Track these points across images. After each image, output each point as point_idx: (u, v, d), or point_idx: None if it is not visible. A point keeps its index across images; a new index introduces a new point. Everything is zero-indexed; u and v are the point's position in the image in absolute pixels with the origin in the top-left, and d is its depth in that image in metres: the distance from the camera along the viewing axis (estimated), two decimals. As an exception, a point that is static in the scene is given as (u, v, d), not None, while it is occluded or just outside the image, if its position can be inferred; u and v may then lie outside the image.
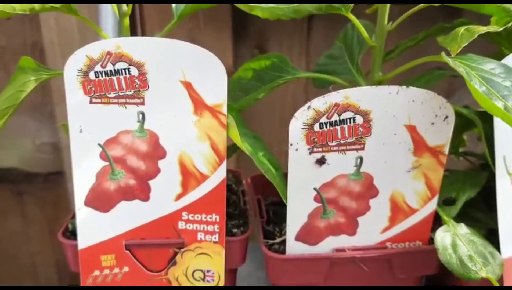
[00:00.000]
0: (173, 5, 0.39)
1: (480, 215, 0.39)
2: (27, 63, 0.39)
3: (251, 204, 0.45)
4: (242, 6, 0.30)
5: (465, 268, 0.32)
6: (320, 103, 0.31)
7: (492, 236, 0.36)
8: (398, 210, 0.36)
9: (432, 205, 0.36)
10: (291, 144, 0.32)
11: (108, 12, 0.62)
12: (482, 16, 0.36)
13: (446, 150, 0.34)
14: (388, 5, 0.36)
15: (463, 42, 0.31)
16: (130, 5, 0.37)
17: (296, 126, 0.32)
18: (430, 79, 0.39)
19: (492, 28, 0.33)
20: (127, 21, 0.38)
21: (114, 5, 0.38)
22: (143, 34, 0.69)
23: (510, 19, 0.35)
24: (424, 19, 0.45)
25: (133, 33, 0.68)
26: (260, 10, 0.30)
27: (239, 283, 0.49)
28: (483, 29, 0.32)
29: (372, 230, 0.37)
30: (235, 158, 0.71)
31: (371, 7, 0.39)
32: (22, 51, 0.81)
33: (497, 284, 0.32)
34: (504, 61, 0.34)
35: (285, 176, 0.35)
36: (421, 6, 0.36)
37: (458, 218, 0.37)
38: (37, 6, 0.32)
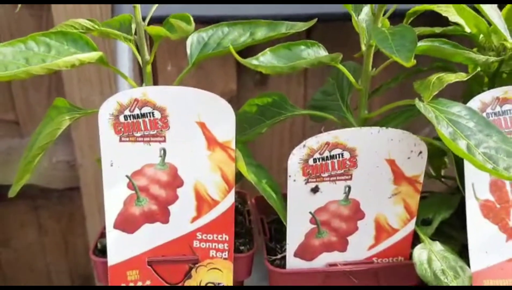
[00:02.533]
0: (188, 52, 0.45)
1: (455, 233, 0.44)
2: (61, 103, 0.45)
3: (255, 222, 0.51)
4: (248, 64, 0.36)
5: (438, 280, 0.38)
6: (313, 142, 0.37)
7: (465, 252, 0.42)
8: (382, 230, 0.42)
9: (411, 226, 0.42)
10: (289, 176, 0.38)
11: (124, 51, 0.67)
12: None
13: (421, 179, 0.40)
14: (372, 54, 0.42)
15: (434, 90, 0.37)
16: (153, 54, 0.43)
17: (294, 161, 0.38)
18: (411, 114, 0.45)
19: (460, 77, 0.39)
20: (149, 68, 0.44)
21: (137, 53, 0.44)
22: (155, 71, 0.75)
23: (476, 67, 0.41)
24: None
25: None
26: (263, 68, 0.36)
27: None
28: (451, 79, 0.38)
29: (360, 247, 0.42)
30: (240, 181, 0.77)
31: (359, 53, 0.45)
32: (40, 77, 0.88)
33: (465, 294, 0.38)
34: (469, 103, 0.40)
35: (284, 196, 0.41)
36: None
37: (435, 236, 0.43)
38: (77, 62, 0.38)
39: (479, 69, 0.42)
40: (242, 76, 0.84)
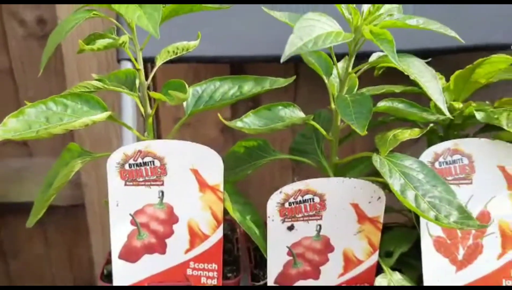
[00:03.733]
0: (184, 105, 0.52)
1: (414, 262, 0.51)
2: (74, 147, 0.52)
3: (243, 249, 0.58)
4: (233, 126, 0.43)
5: (395, 306, 0.45)
6: (288, 189, 0.44)
7: (421, 280, 0.49)
8: (349, 261, 0.49)
9: (374, 257, 0.48)
10: (269, 217, 0.45)
11: (128, 99, 0.73)
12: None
13: (381, 219, 0.47)
14: (340, 116, 0.48)
15: (390, 146, 0.44)
16: (154, 108, 0.50)
17: (272, 205, 0.45)
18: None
19: (413, 134, 0.46)
20: (151, 120, 0.51)
21: (141, 107, 0.51)
22: (158, 119, 0.80)
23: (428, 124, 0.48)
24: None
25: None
26: (247, 130, 0.43)
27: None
28: (405, 136, 0.45)
29: (331, 275, 0.49)
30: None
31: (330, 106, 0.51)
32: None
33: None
34: (423, 154, 0.47)
35: (264, 238, 0.48)
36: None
37: (397, 265, 0.50)
38: (89, 122, 0.45)
39: (432, 125, 0.49)
40: (235, 103, 0.90)
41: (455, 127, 0.51)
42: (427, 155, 0.48)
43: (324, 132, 0.49)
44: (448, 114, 0.42)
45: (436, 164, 0.48)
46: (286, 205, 0.45)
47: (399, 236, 0.51)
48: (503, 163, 0.48)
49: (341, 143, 0.53)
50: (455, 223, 0.39)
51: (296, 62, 0.62)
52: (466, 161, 0.48)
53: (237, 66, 0.85)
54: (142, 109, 0.51)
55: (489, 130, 0.51)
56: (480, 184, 0.48)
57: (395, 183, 0.42)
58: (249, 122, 0.44)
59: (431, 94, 0.39)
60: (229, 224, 0.63)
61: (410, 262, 0.51)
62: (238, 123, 0.43)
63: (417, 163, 0.44)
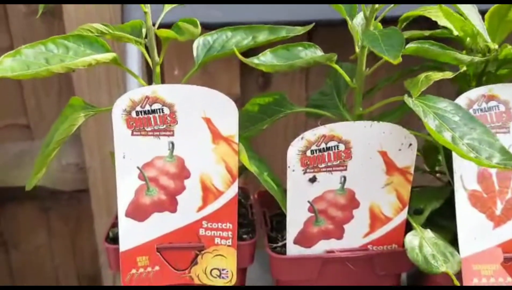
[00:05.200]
0: (195, 54, 0.48)
1: (446, 223, 0.47)
2: (77, 102, 0.48)
3: (257, 215, 0.54)
4: (250, 63, 0.39)
5: (429, 264, 0.41)
6: (311, 134, 0.40)
7: (456, 240, 0.44)
8: (376, 219, 0.44)
9: (404, 214, 0.44)
10: (289, 166, 0.41)
11: (133, 53, 0.71)
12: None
13: (412, 170, 0.43)
14: (365, 55, 0.45)
15: (422, 87, 0.40)
16: (162, 56, 0.47)
17: (293, 153, 0.41)
18: (403, 111, 0.48)
19: (446, 75, 0.42)
20: (158, 68, 0.47)
21: (147, 56, 0.47)
22: (163, 76, 0.78)
23: (461, 66, 0.44)
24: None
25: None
26: (264, 66, 0.39)
27: (250, 284, 0.58)
28: (438, 76, 0.41)
29: (356, 235, 0.45)
30: (243, 177, 0.80)
31: (354, 55, 0.48)
32: (51, 81, 0.92)
33: (454, 278, 0.40)
34: (456, 100, 0.43)
35: (285, 191, 0.44)
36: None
37: (428, 226, 0.46)
38: (93, 62, 0.41)
39: (464, 68, 0.45)
40: (245, 80, 0.87)
41: (489, 75, 0.47)
42: (460, 101, 0.44)
43: (347, 78, 0.45)
44: (488, 39, 0.38)
45: (471, 112, 0.44)
46: (308, 153, 0.41)
47: (430, 193, 0.47)
48: (544, 109, 0.44)
49: (366, 97, 0.49)
50: (499, 164, 0.35)
51: (311, 34, 0.59)
52: (502, 108, 0.44)
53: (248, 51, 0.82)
54: (148, 59, 0.47)
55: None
56: (519, 133, 0.44)
57: (430, 123, 0.38)
58: (265, 60, 0.40)
59: (471, 19, 0.35)
60: (242, 191, 0.59)
61: (441, 223, 0.47)
62: (254, 60, 0.39)
63: (452, 105, 0.40)
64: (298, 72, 0.88)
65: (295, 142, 0.41)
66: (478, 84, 0.48)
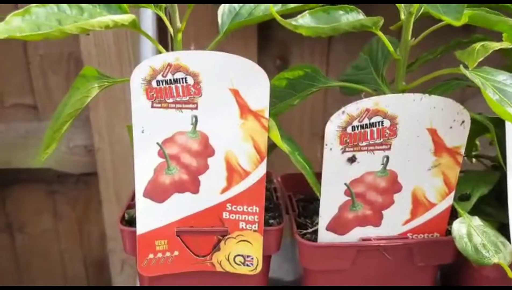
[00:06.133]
0: (219, 21, 0.44)
1: (493, 211, 0.43)
2: (90, 72, 0.44)
3: (282, 199, 0.50)
4: (288, 25, 0.35)
5: (479, 254, 0.37)
6: (353, 108, 0.36)
7: (503, 230, 0.40)
8: (418, 204, 0.40)
9: (449, 200, 0.40)
10: (326, 144, 0.37)
11: (148, 23, 0.67)
12: (494, 32, 0.41)
13: (463, 151, 0.38)
14: (411, 22, 0.40)
15: (479, 57, 0.36)
16: (184, 22, 0.43)
17: (331, 129, 0.37)
18: (448, 88, 0.44)
19: (505, 44, 0.37)
20: (180, 36, 0.43)
21: (168, 22, 0.43)
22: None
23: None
24: (443, 34, 0.49)
25: (166, 44, 0.73)
26: (303, 29, 0.35)
27: (270, 274, 0.54)
28: (496, 46, 0.37)
29: (395, 222, 0.41)
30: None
31: (396, 24, 0.43)
32: (59, 60, 0.88)
33: (508, 269, 0.36)
34: (510, 74, 0.39)
35: (317, 174, 0.40)
36: (441, 24, 0.40)
37: (473, 213, 0.42)
38: (110, 23, 0.37)
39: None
40: (263, 61, 0.83)
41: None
42: (516, 76, 0.39)
43: (391, 48, 0.40)
44: None
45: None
46: (349, 129, 0.37)
47: (477, 177, 0.43)
48: None
49: (407, 71, 0.45)
50: None
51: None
52: None
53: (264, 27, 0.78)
54: (169, 26, 0.43)
55: None
56: None
57: (491, 96, 0.33)
58: (305, 22, 0.35)
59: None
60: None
61: (487, 210, 0.43)
62: (293, 22, 0.35)
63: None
64: (318, 54, 0.84)
65: (334, 117, 0.36)
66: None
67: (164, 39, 0.73)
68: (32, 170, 0.90)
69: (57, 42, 0.85)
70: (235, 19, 0.44)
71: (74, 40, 0.82)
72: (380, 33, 0.39)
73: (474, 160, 0.53)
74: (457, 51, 0.39)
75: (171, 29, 0.43)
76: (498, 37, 0.41)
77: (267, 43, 0.83)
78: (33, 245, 0.99)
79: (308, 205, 0.50)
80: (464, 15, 0.37)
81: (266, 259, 0.45)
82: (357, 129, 0.37)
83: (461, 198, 0.42)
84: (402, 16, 0.40)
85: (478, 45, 0.37)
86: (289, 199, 0.49)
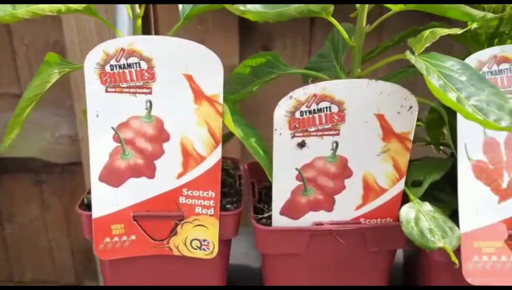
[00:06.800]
0: (180, 7, 0.44)
1: (446, 197, 0.43)
2: (52, 58, 0.45)
3: (246, 186, 0.51)
4: (234, 10, 0.35)
5: (425, 238, 0.37)
6: (300, 93, 0.37)
7: (455, 217, 0.41)
8: (370, 190, 0.41)
9: (400, 186, 0.41)
10: (275, 129, 0.38)
11: (124, 13, 0.68)
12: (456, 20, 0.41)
13: (411, 136, 0.39)
14: (366, 9, 0.40)
15: (427, 42, 0.36)
16: (143, 7, 0.43)
17: (280, 114, 0.37)
18: (405, 75, 0.44)
19: (454, 30, 0.37)
20: (139, 22, 0.43)
21: (128, 7, 0.43)
22: (156, 34, 0.74)
23: (471, 22, 0.40)
24: (402, 21, 0.49)
25: (147, 32, 0.73)
26: (250, 14, 0.35)
27: (236, 261, 0.55)
28: (445, 32, 0.37)
29: (347, 207, 0.42)
30: (240, 150, 0.77)
31: (356, 12, 0.43)
32: (44, 50, 0.88)
33: (452, 254, 0.36)
34: (465, 61, 0.39)
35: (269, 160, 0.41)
36: (395, 10, 0.41)
37: (427, 199, 0.42)
38: (63, 8, 0.37)
39: (475, 25, 0.40)
40: (245, 50, 0.83)
41: (502, 37, 0.43)
42: (468, 63, 0.39)
43: (346, 35, 0.40)
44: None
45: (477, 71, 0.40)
46: (297, 114, 0.37)
47: (430, 164, 0.44)
48: (561, 74, 0.39)
49: (367, 59, 0.45)
50: (508, 127, 0.31)
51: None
52: (515, 72, 0.40)
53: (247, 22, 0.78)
54: (129, 10, 0.43)
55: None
56: (532, 99, 0.40)
57: (434, 82, 0.34)
58: (252, 7, 0.36)
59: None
60: (232, 161, 0.56)
61: (441, 197, 0.43)
62: (240, 7, 0.35)
63: (460, 64, 0.36)
64: (300, 44, 0.84)
65: (282, 102, 0.37)
66: (491, 46, 0.43)
67: (147, 30, 0.74)
68: (19, 159, 0.91)
69: (43, 31, 0.85)
70: (196, 5, 0.44)
71: (59, 29, 0.82)
72: (333, 20, 0.39)
73: (442, 148, 0.53)
74: (410, 38, 0.39)
75: (131, 14, 0.44)
76: (459, 25, 0.41)
77: (249, 33, 0.83)
78: (22, 234, 1.00)
79: (270, 193, 0.50)
80: (412, 4, 0.38)
81: (225, 243, 0.45)
82: (306, 114, 0.37)
83: (414, 184, 0.42)
84: (357, 4, 0.40)
85: (427, 32, 0.37)
86: (251, 186, 0.50)
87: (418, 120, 0.51)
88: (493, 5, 0.42)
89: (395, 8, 0.37)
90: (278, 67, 0.45)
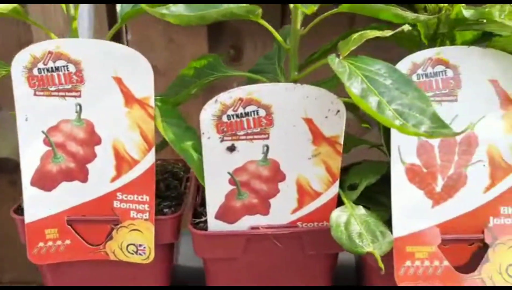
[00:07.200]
0: (118, 8, 0.44)
1: (387, 200, 0.43)
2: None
3: (192, 188, 0.50)
4: (155, 13, 0.35)
5: (353, 243, 0.37)
6: (226, 97, 0.36)
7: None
8: (304, 193, 0.40)
9: (334, 189, 0.40)
10: (203, 133, 0.37)
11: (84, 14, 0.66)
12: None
13: (341, 140, 0.38)
14: (300, 11, 0.40)
15: (353, 45, 0.35)
16: (77, 10, 0.42)
17: (206, 117, 0.37)
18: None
19: (385, 33, 0.37)
20: (75, 24, 0.43)
21: (64, 8, 0.43)
22: (127, 38, 0.73)
23: (404, 23, 0.39)
24: (341, 24, 0.49)
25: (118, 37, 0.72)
26: (171, 17, 0.34)
27: (185, 262, 0.54)
28: (373, 34, 0.36)
29: (283, 210, 0.41)
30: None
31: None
32: (15, 50, 0.87)
33: (379, 259, 0.36)
34: (399, 64, 0.39)
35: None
36: (330, 12, 0.40)
37: (366, 203, 0.42)
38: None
39: (409, 28, 0.40)
40: (214, 50, 0.82)
41: (443, 38, 0.42)
42: (403, 66, 0.39)
43: (279, 37, 0.40)
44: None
45: (414, 77, 0.39)
46: (224, 118, 0.37)
47: (368, 167, 0.43)
48: (496, 76, 0.39)
49: (309, 62, 0.44)
50: (426, 132, 0.31)
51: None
52: (450, 74, 0.39)
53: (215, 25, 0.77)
54: (65, 11, 0.43)
55: (482, 41, 0.42)
56: (467, 102, 0.39)
57: (354, 86, 0.33)
58: (175, 10, 0.35)
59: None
60: (183, 164, 0.55)
61: (381, 200, 0.43)
62: (163, 10, 0.34)
63: (387, 68, 0.35)
64: (270, 43, 0.83)
65: (208, 105, 0.36)
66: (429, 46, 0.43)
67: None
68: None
69: (15, 32, 0.84)
70: (136, 6, 0.43)
71: (29, 29, 0.82)
72: (264, 22, 0.39)
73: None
74: (341, 42, 0.39)
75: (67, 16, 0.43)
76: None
77: (219, 33, 0.82)
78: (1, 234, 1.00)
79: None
80: (344, 6, 0.37)
81: (164, 248, 0.45)
82: (233, 118, 0.37)
83: (350, 187, 0.42)
84: (291, 6, 0.40)
85: (356, 34, 0.37)
86: (197, 189, 0.50)
87: (366, 122, 0.52)
88: (431, 5, 0.42)
89: (299, 6, 0.36)
90: (219, 69, 0.45)
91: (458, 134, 0.30)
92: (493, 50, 0.39)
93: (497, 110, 0.39)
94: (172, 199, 0.46)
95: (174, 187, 0.49)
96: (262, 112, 0.37)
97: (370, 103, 0.32)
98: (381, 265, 0.36)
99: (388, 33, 0.37)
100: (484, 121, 0.39)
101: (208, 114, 0.37)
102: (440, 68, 0.39)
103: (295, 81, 0.42)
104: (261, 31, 0.90)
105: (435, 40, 0.43)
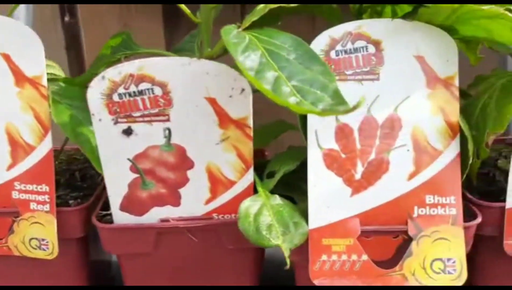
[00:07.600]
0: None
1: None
2: None
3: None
4: None
5: (260, 235, 0.33)
6: (114, 73, 0.32)
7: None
8: (217, 182, 0.37)
9: (250, 177, 0.37)
10: (93, 114, 0.34)
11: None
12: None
13: (250, 122, 0.35)
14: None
15: (254, 16, 0.32)
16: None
17: (93, 96, 0.33)
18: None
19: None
20: None
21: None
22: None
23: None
24: None
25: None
26: None
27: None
28: (276, 4, 0.32)
29: (196, 201, 0.38)
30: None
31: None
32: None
33: (287, 253, 0.33)
34: (316, 39, 0.35)
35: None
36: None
37: (288, 192, 0.38)
38: None
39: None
40: (171, 36, 0.79)
41: (368, 11, 0.39)
42: (319, 42, 0.35)
43: (187, 11, 0.36)
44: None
45: (332, 54, 0.36)
46: (115, 97, 0.33)
47: (290, 154, 0.40)
48: (422, 52, 0.35)
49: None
50: (323, 110, 0.27)
51: None
52: (372, 50, 0.36)
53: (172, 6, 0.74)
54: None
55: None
56: (390, 80, 0.36)
57: (251, 59, 0.29)
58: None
59: None
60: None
61: (304, 187, 0.39)
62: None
63: (293, 41, 0.32)
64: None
65: (94, 83, 0.32)
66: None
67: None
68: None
69: None
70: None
71: None
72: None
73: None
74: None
75: None
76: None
77: (176, 18, 0.78)
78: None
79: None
80: None
81: (73, 242, 0.41)
82: (125, 97, 0.33)
83: (269, 175, 0.39)
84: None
85: (261, 5, 0.33)
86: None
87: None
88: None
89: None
90: (131, 47, 0.41)
91: (351, 110, 0.26)
92: (418, 23, 0.35)
93: (423, 89, 0.35)
94: (83, 190, 0.43)
95: (91, 177, 0.46)
96: (158, 91, 0.33)
97: (266, 79, 0.29)
98: (287, 259, 0.32)
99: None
100: (408, 101, 0.35)
101: (96, 92, 0.33)
102: (361, 43, 0.36)
103: (210, 58, 0.39)
104: (218, 18, 0.86)
105: (361, 14, 0.40)
